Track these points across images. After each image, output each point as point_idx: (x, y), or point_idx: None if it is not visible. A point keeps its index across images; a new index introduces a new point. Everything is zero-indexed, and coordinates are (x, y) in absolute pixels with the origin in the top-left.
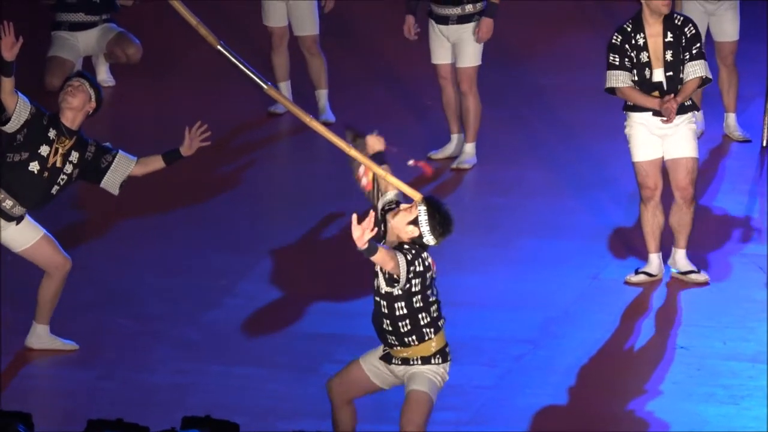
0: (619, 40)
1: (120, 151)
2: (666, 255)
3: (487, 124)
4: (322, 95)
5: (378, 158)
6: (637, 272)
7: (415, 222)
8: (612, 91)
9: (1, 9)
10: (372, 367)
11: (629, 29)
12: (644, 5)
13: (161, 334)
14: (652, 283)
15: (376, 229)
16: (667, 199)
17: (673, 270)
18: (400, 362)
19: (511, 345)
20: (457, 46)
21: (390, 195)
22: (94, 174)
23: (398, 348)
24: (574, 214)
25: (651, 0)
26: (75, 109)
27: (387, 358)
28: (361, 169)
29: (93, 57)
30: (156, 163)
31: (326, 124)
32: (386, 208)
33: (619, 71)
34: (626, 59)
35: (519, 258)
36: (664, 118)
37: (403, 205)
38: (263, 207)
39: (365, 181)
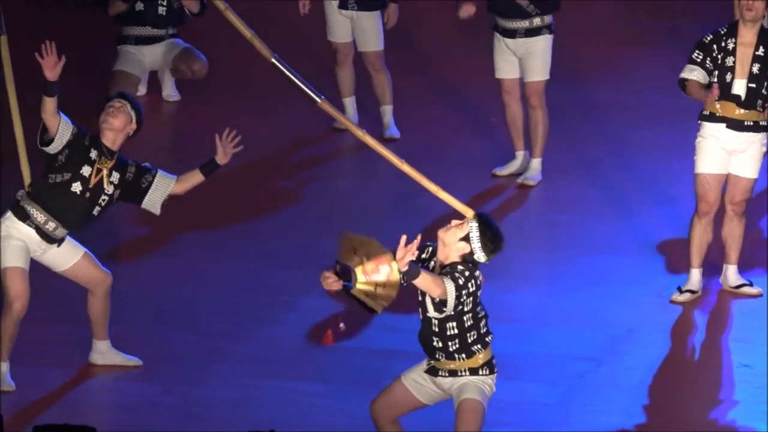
0: (708, 39)
1: (159, 170)
2: (715, 271)
3: (548, 141)
4: (387, 111)
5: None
6: (681, 290)
7: (466, 238)
8: (683, 85)
9: (66, 23)
10: (415, 383)
11: (722, 32)
12: (738, 13)
13: (222, 350)
14: (715, 301)
15: (417, 252)
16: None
17: (726, 286)
18: (447, 374)
19: (574, 362)
20: (525, 61)
21: None
22: (134, 194)
23: (445, 361)
24: (636, 233)
25: (740, 0)
26: (116, 130)
27: (433, 371)
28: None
29: (159, 72)
30: (195, 177)
31: (391, 140)
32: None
33: (697, 67)
34: (708, 59)
35: (581, 275)
36: (739, 134)
37: (454, 221)
38: (325, 223)
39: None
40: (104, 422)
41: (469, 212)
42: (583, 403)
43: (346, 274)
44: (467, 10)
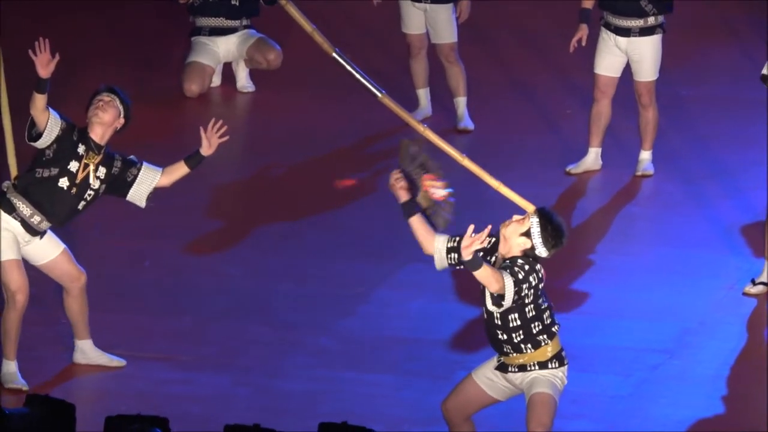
0: None
1: (145, 163)
2: None
3: (625, 134)
4: (461, 103)
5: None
6: (754, 283)
7: (527, 234)
8: (765, 80)
9: (139, 15)
10: (486, 379)
11: None
12: None
13: (295, 342)
14: None
15: (486, 242)
16: None
17: None
18: (517, 369)
19: (647, 354)
20: (638, 60)
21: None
22: (120, 188)
23: (514, 355)
24: (709, 224)
25: None
26: (105, 124)
27: (503, 368)
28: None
29: (233, 63)
30: (180, 169)
31: (465, 132)
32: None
33: None
34: None
35: (655, 268)
36: None
37: (515, 216)
38: (397, 214)
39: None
40: (176, 413)
41: (530, 207)
42: (656, 396)
43: (410, 182)
44: (582, 34)
